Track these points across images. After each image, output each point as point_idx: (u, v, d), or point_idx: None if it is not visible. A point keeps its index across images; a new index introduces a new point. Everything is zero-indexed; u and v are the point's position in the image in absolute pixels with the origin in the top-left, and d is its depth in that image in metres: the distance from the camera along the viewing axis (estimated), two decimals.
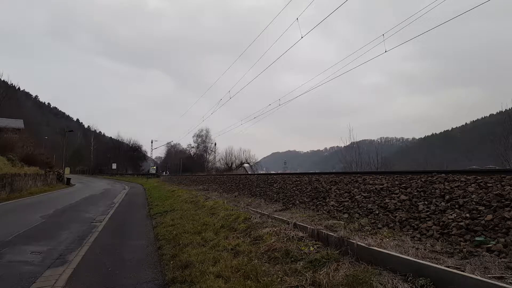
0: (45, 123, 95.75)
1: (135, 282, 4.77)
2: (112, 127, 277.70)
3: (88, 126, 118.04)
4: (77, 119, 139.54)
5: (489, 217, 3.89)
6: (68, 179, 36.35)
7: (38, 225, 9.60)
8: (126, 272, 5.19)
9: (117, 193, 23.93)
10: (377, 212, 5.57)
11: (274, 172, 26.02)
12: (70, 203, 16.29)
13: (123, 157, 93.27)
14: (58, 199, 19.12)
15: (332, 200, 7.03)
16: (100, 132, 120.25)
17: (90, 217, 11.32)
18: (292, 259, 4.41)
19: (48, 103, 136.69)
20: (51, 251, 6.54)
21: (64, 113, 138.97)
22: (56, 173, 34.98)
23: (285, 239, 5.14)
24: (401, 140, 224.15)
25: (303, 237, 5.16)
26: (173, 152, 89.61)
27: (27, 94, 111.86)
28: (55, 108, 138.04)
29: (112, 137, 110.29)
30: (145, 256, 6.16)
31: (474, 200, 4.42)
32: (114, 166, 75.51)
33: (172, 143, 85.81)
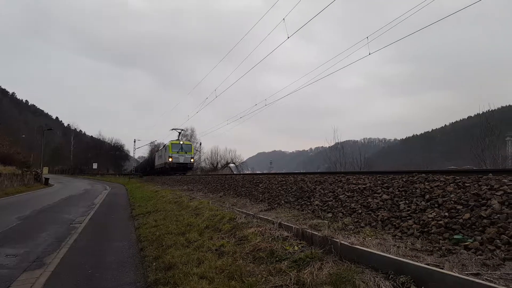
0: (23, 121, 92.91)
1: (116, 284, 4.69)
2: (93, 126, 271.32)
3: (68, 124, 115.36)
4: (57, 117, 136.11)
5: (467, 215, 4.01)
6: (47, 179, 35.42)
7: (14, 226, 9.30)
8: (107, 275, 5.10)
9: (97, 194, 23.45)
10: (360, 211, 5.65)
11: (259, 172, 25.96)
12: (49, 204, 15.88)
13: (104, 156, 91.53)
14: (36, 199, 18.58)
15: (317, 200, 7.09)
16: (80, 130, 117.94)
17: (69, 218, 11.06)
18: (277, 258, 4.42)
19: (26, 101, 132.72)
20: (28, 253, 6.36)
21: (43, 111, 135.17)
22: (33, 173, 34.02)
23: (270, 239, 5.15)
24: (383, 141, 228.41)
25: (288, 236, 5.18)
26: (157, 151, 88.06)
27: (3, 91, 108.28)
28: (33, 105, 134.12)
29: (93, 136, 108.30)
30: (127, 258, 6.06)
31: (453, 199, 4.54)
32: (95, 165, 73.79)
33: (155, 142, 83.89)
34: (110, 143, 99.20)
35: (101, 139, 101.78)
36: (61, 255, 6.27)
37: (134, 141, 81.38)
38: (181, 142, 36.39)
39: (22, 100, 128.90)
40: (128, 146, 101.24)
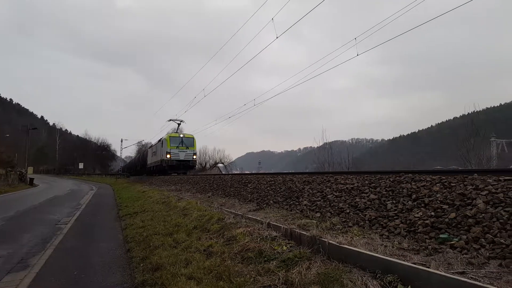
0: (7, 120, 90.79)
1: (102, 286, 4.62)
2: (80, 125, 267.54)
3: (54, 123, 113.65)
4: (42, 116, 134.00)
5: (453, 215, 4.07)
6: (31, 179, 34.67)
7: None
8: (93, 276, 5.02)
9: (84, 194, 23.06)
10: (348, 211, 5.69)
11: (248, 172, 25.69)
12: (33, 204, 15.55)
13: (90, 156, 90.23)
14: (20, 200, 18.18)
15: (305, 200, 7.11)
16: (66, 130, 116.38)
17: (54, 219, 10.84)
18: (265, 258, 4.42)
19: (10, 99, 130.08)
20: (12, 255, 6.20)
21: (28, 110, 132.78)
22: (18, 173, 33.35)
23: (258, 239, 5.14)
24: (371, 141, 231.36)
25: (276, 236, 5.18)
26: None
27: None
28: (18, 104, 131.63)
29: (79, 136, 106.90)
30: (113, 259, 5.96)
31: (439, 199, 4.60)
32: (81, 165, 72.37)
33: (143, 142, 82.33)
34: (97, 142, 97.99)
35: (87, 138, 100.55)
36: (46, 256, 6.14)
37: (121, 141, 79.11)
38: (182, 135, 30.20)
39: (6, 98, 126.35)
40: (115, 146, 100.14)
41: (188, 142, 29.66)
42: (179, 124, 34.53)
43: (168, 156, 28.28)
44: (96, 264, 5.67)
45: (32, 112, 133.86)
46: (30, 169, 47.41)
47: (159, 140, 32.42)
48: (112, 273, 5.14)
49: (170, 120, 34.57)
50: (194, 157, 30.06)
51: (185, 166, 29.21)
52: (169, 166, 28.58)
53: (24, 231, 8.53)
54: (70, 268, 5.44)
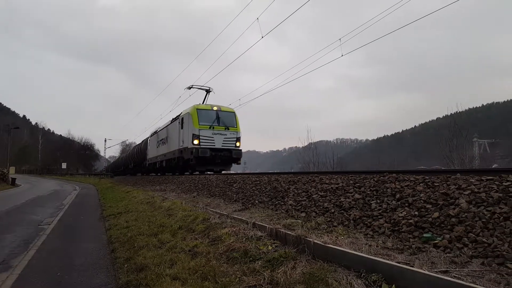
0: None
1: (86, 287, 4.55)
2: (63, 125, 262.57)
3: (36, 123, 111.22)
4: (24, 116, 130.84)
5: (436, 214, 4.12)
6: (13, 179, 33.94)
7: None
8: (77, 277, 4.93)
9: (67, 194, 22.62)
10: (333, 210, 5.72)
11: (233, 172, 25.53)
12: (15, 205, 15.19)
13: (74, 156, 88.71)
14: (2, 200, 17.70)
15: (291, 200, 7.13)
16: (49, 129, 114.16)
17: (37, 219, 10.61)
18: (251, 258, 4.39)
19: None
20: None
21: (9, 108, 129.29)
22: None
23: (244, 239, 5.12)
24: (355, 141, 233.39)
25: (261, 236, 5.17)
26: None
27: None
28: None
29: (62, 135, 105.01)
30: (97, 260, 5.88)
31: (422, 198, 4.66)
32: (64, 165, 71.00)
33: (127, 142, 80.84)
34: (80, 142, 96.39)
35: (70, 138, 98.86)
36: (29, 257, 6.01)
37: (105, 141, 77.80)
38: (215, 108, 18.11)
39: None
40: (99, 146, 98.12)
41: (227, 119, 18.23)
42: (208, 92, 21.20)
43: (196, 142, 16.93)
44: (80, 265, 5.59)
45: (14, 111, 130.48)
46: (12, 169, 46.33)
47: (175, 118, 20.75)
48: (96, 274, 5.07)
49: (191, 87, 21.73)
50: (238, 144, 18.30)
51: (225, 160, 18.01)
52: (199, 160, 17.05)
53: (5, 232, 8.32)
54: (54, 269, 5.35)
